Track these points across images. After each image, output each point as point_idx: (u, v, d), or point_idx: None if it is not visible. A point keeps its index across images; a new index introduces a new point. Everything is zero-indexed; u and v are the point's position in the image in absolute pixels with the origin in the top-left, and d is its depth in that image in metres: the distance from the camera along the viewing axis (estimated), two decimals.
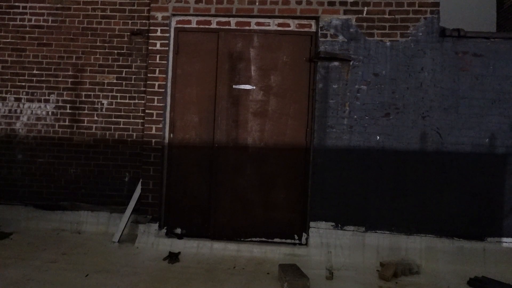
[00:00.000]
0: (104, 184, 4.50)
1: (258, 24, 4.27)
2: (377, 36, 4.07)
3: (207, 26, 4.31)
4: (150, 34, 4.31)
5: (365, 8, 4.10)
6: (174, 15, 4.31)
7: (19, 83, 4.58)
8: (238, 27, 4.28)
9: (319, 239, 4.01)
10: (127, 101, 4.49)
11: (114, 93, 4.50)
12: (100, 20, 4.51)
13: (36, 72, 4.57)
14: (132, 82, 4.49)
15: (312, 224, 4.07)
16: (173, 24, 4.34)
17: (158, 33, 4.28)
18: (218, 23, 4.30)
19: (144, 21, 4.46)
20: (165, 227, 4.30)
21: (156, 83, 4.27)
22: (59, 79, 4.55)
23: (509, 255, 3.86)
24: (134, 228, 4.31)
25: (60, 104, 4.55)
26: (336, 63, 4.08)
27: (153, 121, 4.28)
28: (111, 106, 4.50)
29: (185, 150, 4.33)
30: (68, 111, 4.55)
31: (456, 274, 3.64)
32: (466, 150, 3.99)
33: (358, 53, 4.08)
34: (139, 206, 4.28)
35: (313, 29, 4.23)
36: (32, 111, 4.58)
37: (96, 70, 4.51)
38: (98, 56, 4.51)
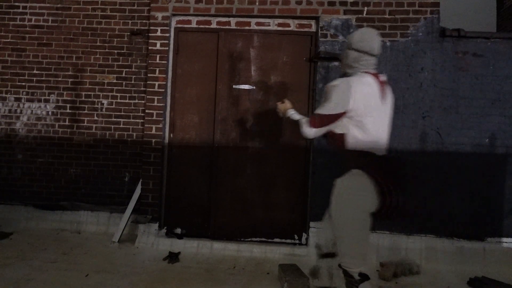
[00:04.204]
0: (104, 184, 4.50)
1: (258, 24, 4.27)
2: None
3: (207, 26, 4.31)
4: (150, 34, 4.31)
5: (365, 8, 4.10)
6: (174, 15, 4.31)
7: (19, 83, 4.58)
8: (238, 27, 4.28)
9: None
10: (127, 101, 4.49)
11: (114, 93, 4.50)
12: (100, 20, 4.51)
13: (36, 72, 4.57)
14: (132, 82, 4.48)
15: (312, 224, 4.06)
16: (173, 24, 4.34)
17: (158, 33, 4.28)
18: (218, 23, 4.30)
19: (144, 21, 4.46)
20: (165, 227, 4.30)
21: (156, 83, 4.27)
22: (59, 79, 4.55)
23: (509, 255, 3.86)
24: (134, 228, 4.30)
25: (60, 104, 4.55)
26: (336, 63, 4.08)
27: (153, 121, 4.28)
28: (111, 106, 4.50)
29: (185, 150, 4.33)
30: (68, 111, 4.55)
31: (456, 274, 3.64)
32: (466, 150, 3.99)
33: None
34: (139, 206, 4.28)
35: (313, 29, 4.23)
36: (32, 111, 4.57)
37: (96, 70, 4.51)
38: (98, 56, 4.51)
